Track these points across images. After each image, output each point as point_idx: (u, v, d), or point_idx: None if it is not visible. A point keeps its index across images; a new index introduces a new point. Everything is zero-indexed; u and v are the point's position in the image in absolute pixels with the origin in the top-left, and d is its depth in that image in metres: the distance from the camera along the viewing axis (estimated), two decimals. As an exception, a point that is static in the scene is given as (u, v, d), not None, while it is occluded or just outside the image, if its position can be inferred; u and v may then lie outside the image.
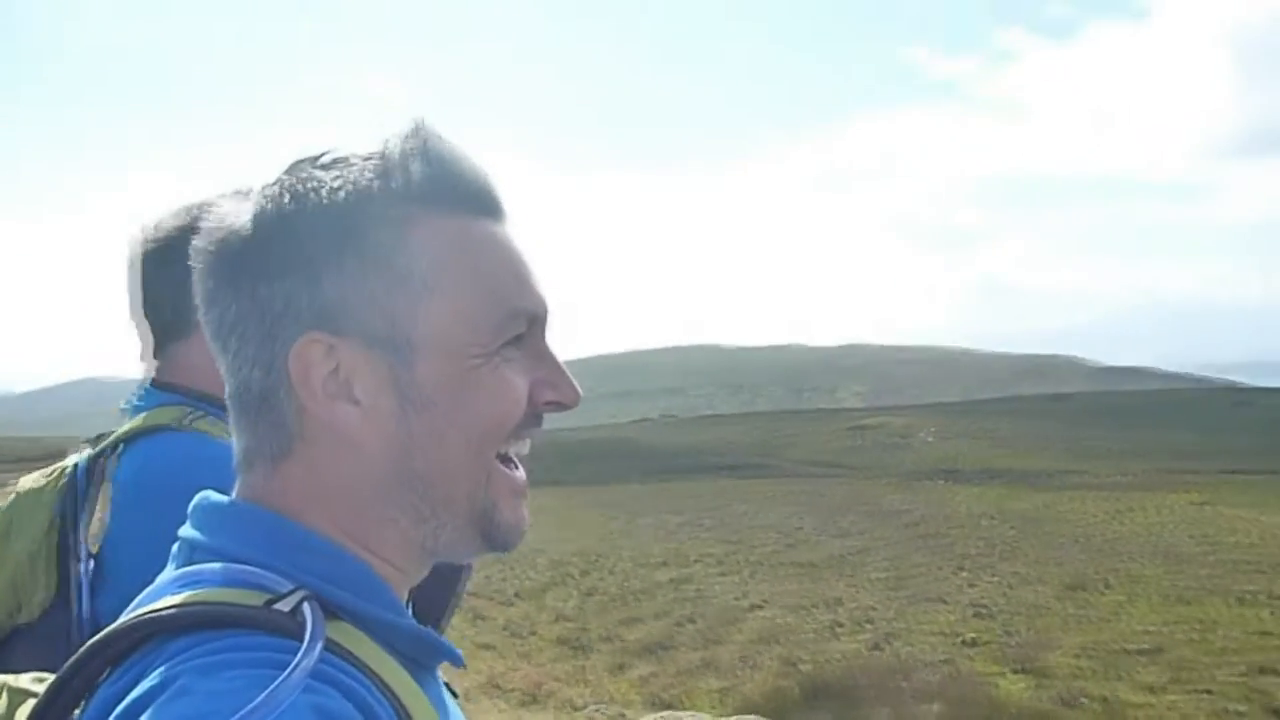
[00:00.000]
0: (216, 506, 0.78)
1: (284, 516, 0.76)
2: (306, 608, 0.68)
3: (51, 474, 1.63)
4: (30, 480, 1.63)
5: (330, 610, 0.71)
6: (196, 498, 0.80)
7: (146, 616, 0.69)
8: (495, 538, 0.80)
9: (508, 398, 0.78)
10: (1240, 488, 41.88)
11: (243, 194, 1.62)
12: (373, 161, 0.77)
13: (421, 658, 0.77)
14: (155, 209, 1.69)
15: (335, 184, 0.76)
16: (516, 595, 19.64)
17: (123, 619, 0.70)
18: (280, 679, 0.60)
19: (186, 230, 1.56)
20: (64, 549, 1.56)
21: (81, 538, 1.56)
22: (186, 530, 0.78)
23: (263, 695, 0.58)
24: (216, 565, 0.73)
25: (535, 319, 0.80)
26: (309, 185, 0.76)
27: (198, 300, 0.80)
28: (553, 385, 0.81)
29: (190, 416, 1.59)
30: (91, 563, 1.56)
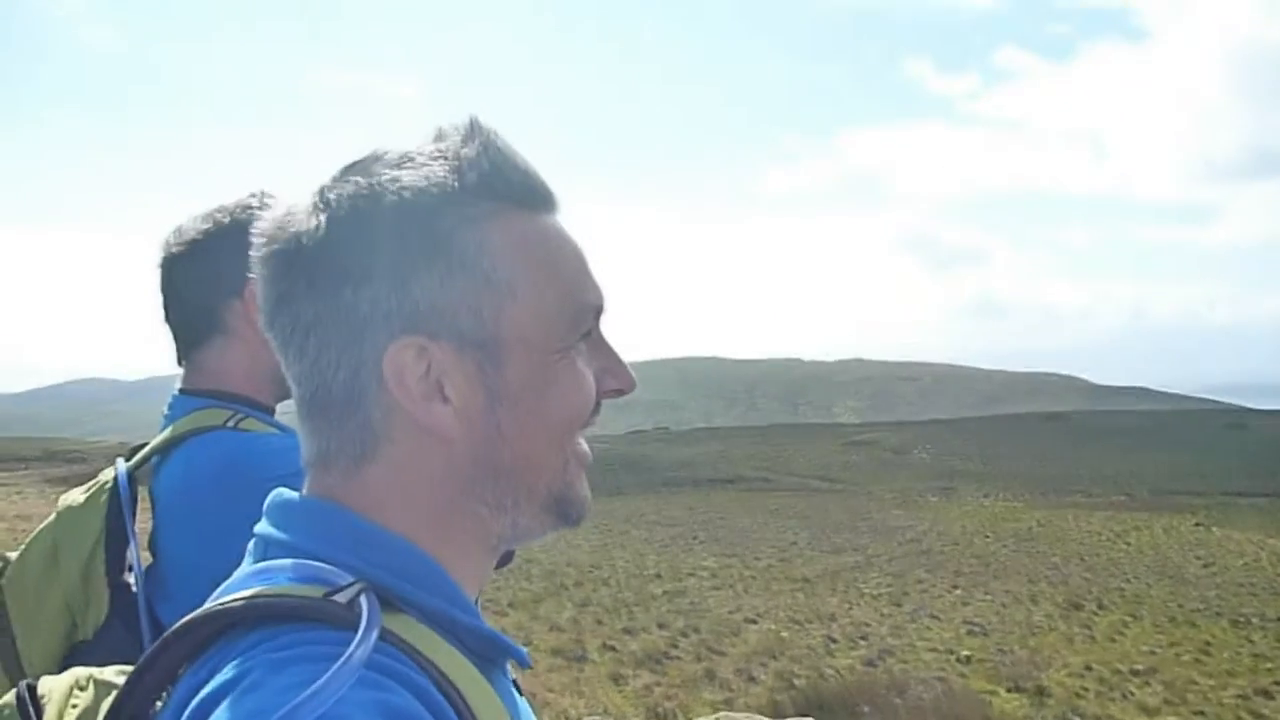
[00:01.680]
0: (291, 503, 0.80)
1: (360, 514, 0.77)
2: (363, 599, 0.69)
3: (92, 489, 1.60)
4: (72, 497, 1.61)
5: (394, 604, 0.73)
6: (271, 495, 0.81)
7: (217, 610, 0.70)
8: (569, 515, 0.83)
9: (583, 389, 0.81)
10: (1240, 510, 42.05)
11: (261, 196, 1.62)
12: (441, 160, 0.78)
13: (489, 655, 0.78)
14: (171, 213, 1.67)
15: (414, 183, 0.76)
16: (510, 605, 19.55)
17: (196, 612, 0.72)
18: (330, 672, 0.61)
19: (210, 235, 1.58)
20: (114, 564, 1.53)
21: (133, 550, 1.55)
22: (262, 526, 0.80)
23: (316, 685, 0.60)
24: (288, 561, 0.74)
25: (600, 312, 0.83)
26: (384, 185, 0.76)
27: (264, 304, 0.79)
28: (613, 373, 0.84)
29: (235, 418, 1.58)
30: (145, 574, 1.54)
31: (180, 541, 1.51)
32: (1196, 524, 36.81)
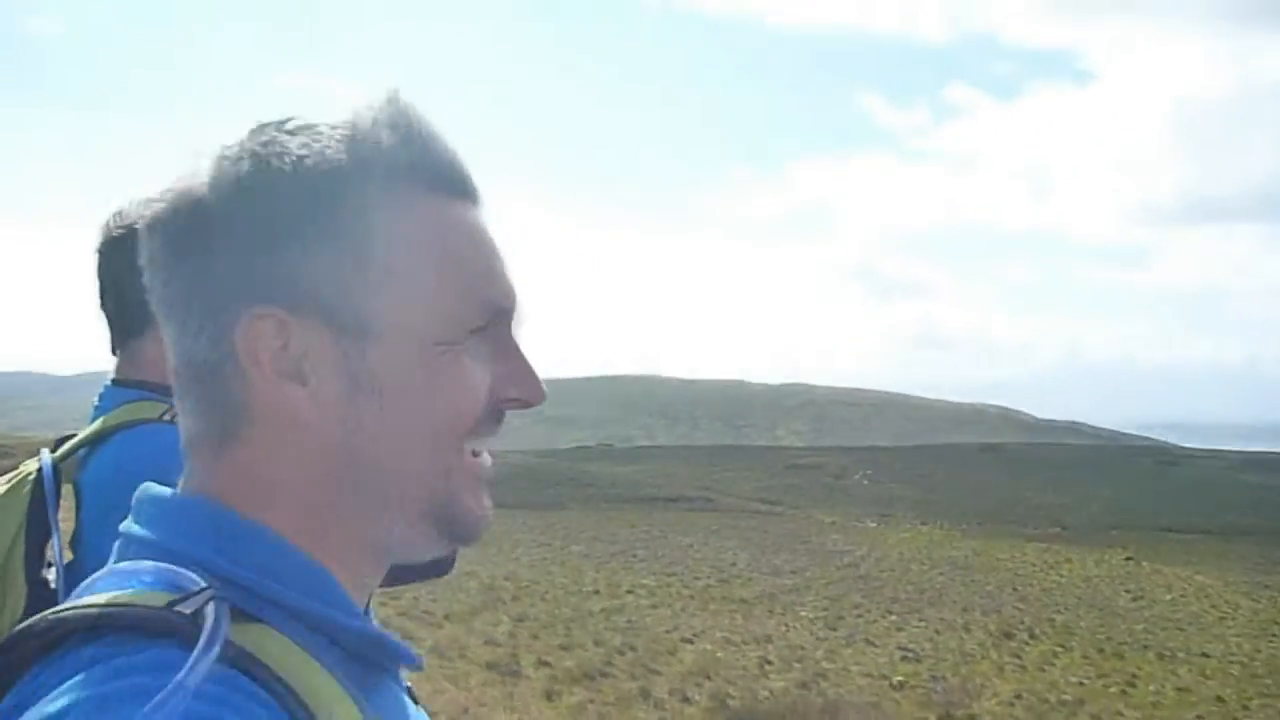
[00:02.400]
0: (157, 499, 0.74)
1: (228, 507, 0.71)
2: (210, 609, 0.62)
3: (13, 481, 1.53)
4: None
5: (251, 611, 0.66)
6: (138, 490, 0.75)
7: (55, 620, 0.64)
8: (455, 532, 0.75)
9: (466, 390, 0.73)
10: (1169, 546, 42.97)
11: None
12: (343, 131, 0.73)
13: (373, 659, 0.72)
14: (106, 205, 1.63)
15: (302, 152, 0.71)
16: (446, 618, 19.33)
17: (33, 620, 0.65)
18: (154, 701, 0.56)
19: None
20: (34, 559, 1.47)
21: (56, 545, 1.48)
22: (126, 524, 0.74)
23: None
24: (147, 563, 0.68)
25: (502, 311, 0.76)
26: (273, 151, 0.71)
27: (145, 268, 0.75)
28: (516, 381, 0.76)
29: (172, 412, 1.51)
30: (64, 570, 1.47)
31: (106, 538, 1.43)
32: (1127, 558, 37.52)
